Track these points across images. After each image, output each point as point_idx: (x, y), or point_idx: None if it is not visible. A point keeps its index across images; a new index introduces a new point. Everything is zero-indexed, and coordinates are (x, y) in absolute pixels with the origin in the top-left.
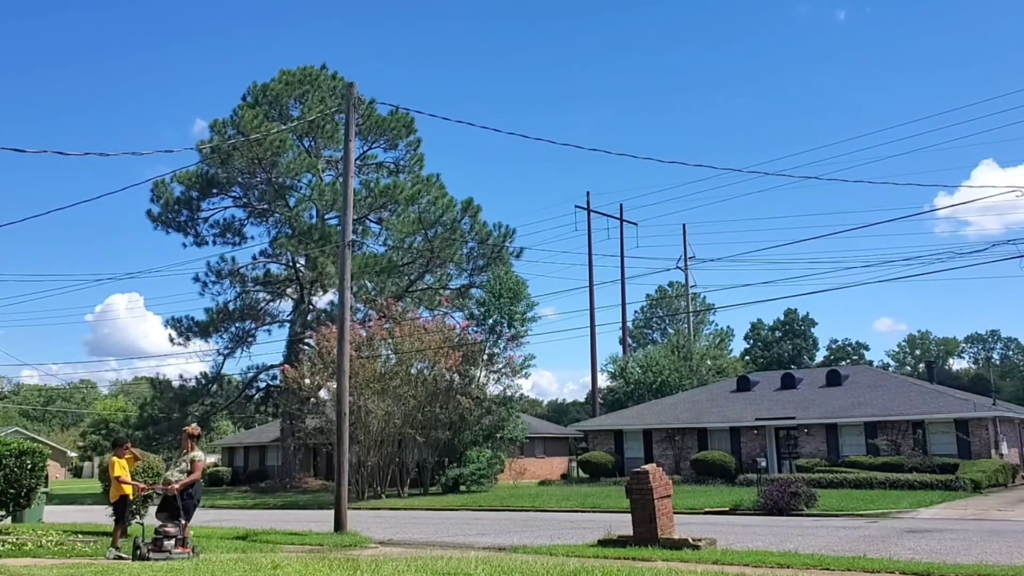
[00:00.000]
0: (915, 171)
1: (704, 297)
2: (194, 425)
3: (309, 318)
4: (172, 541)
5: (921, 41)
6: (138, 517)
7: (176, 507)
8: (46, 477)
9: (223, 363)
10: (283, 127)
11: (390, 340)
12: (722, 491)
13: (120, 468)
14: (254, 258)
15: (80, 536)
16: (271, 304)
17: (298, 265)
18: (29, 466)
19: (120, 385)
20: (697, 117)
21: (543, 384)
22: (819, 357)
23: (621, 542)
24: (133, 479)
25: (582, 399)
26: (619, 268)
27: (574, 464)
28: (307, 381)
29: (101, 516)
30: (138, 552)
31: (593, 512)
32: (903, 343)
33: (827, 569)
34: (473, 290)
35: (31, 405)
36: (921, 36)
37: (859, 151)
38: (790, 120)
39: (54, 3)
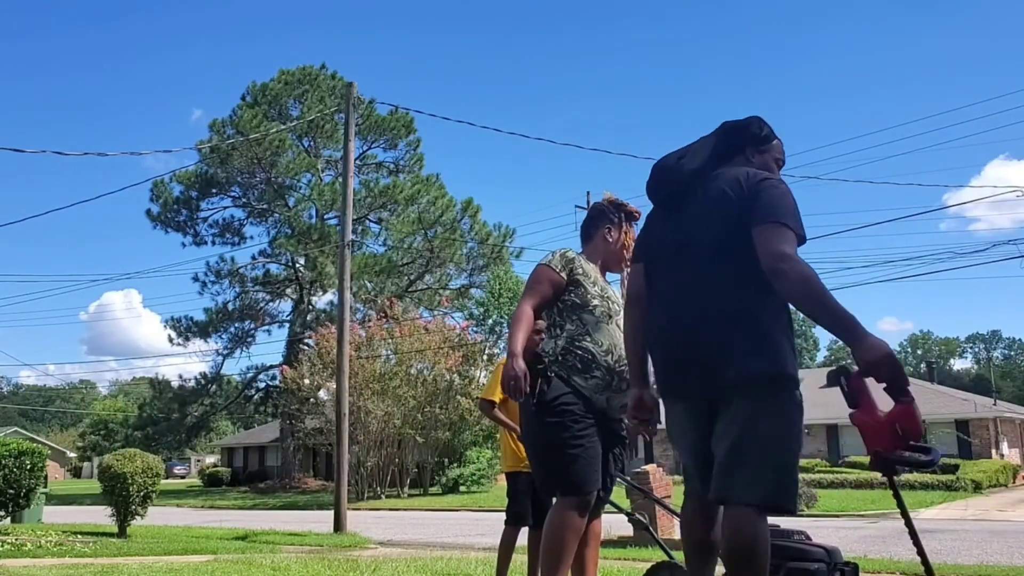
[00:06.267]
0: (930, 169)
1: None
2: None
3: (309, 318)
4: None
5: (927, 38)
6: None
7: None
8: (45, 477)
9: (222, 363)
10: (282, 127)
11: (390, 340)
12: None
13: (496, 389)
14: (253, 258)
15: (80, 536)
16: (270, 304)
17: (297, 265)
18: (28, 466)
19: (119, 385)
20: (698, 116)
21: None
22: (819, 357)
23: (621, 542)
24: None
25: None
26: None
27: None
28: (306, 381)
29: (101, 516)
30: None
31: None
32: (904, 343)
33: None
34: (473, 290)
35: (30, 405)
36: (926, 33)
37: (866, 149)
38: (794, 119)
39: (54, 3)
